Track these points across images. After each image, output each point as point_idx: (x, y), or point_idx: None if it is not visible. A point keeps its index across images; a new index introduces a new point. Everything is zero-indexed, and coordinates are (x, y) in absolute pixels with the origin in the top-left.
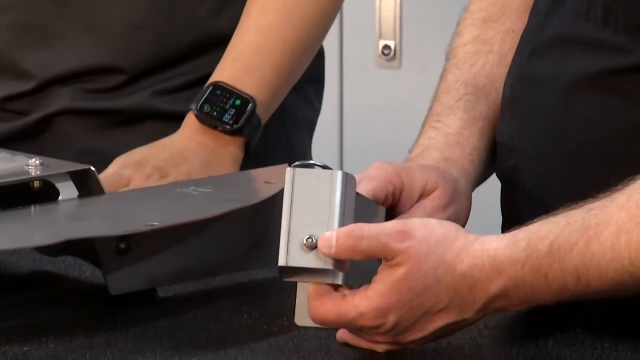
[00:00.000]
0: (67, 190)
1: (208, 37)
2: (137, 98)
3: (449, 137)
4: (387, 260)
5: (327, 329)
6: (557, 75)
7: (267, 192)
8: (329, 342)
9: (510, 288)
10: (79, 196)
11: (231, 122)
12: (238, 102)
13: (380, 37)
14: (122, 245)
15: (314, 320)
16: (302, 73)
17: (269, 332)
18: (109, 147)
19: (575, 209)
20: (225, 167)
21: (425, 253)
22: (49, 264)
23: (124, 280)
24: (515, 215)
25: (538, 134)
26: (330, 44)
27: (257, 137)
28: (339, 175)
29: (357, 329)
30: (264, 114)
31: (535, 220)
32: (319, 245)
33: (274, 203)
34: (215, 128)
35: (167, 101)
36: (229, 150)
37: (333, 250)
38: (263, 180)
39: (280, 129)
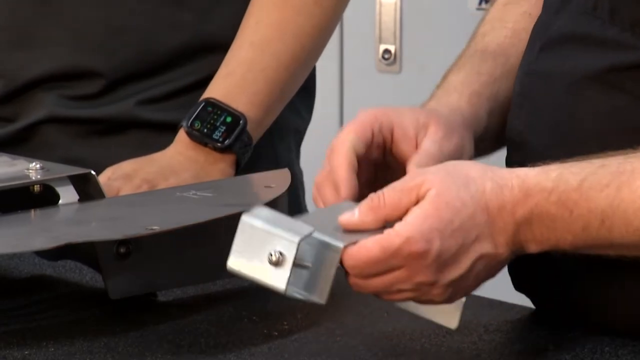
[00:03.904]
0: (67, 194)
1: (193, 43)
2: (121, 106)
3: (447, 88)
4: (412, 200)
5: (326, 332)
6: (563, 71)
7: (266, 196)
8: (329, 346)
9: (535, 215)
10: (79, 200)
11: (221, 139)
12: (229, 119)
13: (380, 41)
14: (122, 249)
15: (354, 267)
16: (297, 89)
17: (269, 335)
18: (94, 155)
19: (613, 154)
20: None
21: (447, 173)
22: (48, 268)
23: (123, 284)
24: None
25: (544, 129)
26: (330, 48)
27: (248, 154)
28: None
29: (392, 275)
30: (256, 131)
31: (570, 160)
32: (340, 220)
33: (273, 207)
34: (205, 145)
35: (150, 110)
36: (219, 166)
37: (355, 217)
38: (262, 184)
39: (266, 138)
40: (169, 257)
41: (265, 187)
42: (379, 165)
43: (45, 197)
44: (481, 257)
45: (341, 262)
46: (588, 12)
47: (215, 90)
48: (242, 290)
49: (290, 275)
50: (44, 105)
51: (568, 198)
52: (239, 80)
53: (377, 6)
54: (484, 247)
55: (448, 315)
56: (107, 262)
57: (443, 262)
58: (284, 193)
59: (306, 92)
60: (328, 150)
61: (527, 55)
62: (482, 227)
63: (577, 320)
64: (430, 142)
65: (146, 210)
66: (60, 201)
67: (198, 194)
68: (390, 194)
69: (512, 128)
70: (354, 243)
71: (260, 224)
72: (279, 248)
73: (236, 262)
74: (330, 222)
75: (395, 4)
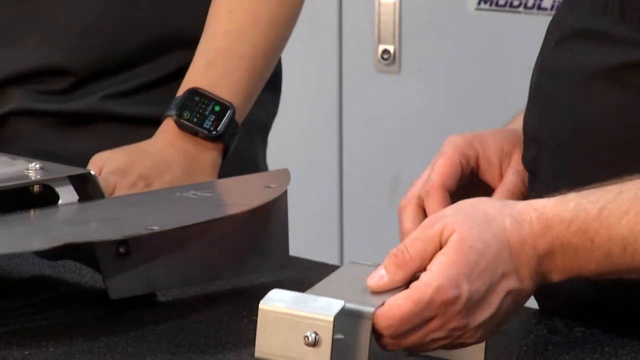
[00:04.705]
0: (67, 194)
1: (160, 40)
2: (87, 101)
3: None
4: (436, 247)
5: None
6: (574, 67)
7: (266, 196)
8: None
9: (556, 247)
10: (78, 200)
11: (211, 128)
12: (217, 108)
13: (380, 41)
14: (122, 249)
15: (389, 327)
16: (269, 76)
17: None
18: (63, 145)
19: (629, 180)
20: (205, 174)
21: (466, 216)
22: (48, 268)
23: (123, 284)
24: None
25: (556, 125)
26: (329, 48)
27: (235, 141)
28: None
29: (426, 327)
30: (240, 118)
31: (586, 187)
32: (370, 284)
33: (273, 207)
34: (196, 134)
35: (117, 104)
36: (209, 155)
37: (385, 278)
38: (262, 185)
39: None
40: (169, 257)
41: (265, 187)
42: (466, 187)
43: (45, 197)
44: (508, 293)
45: (373, 326)
46: (599, 9)
47: (199, 80)
48: (242, 290)
49: (331, 354)
50: (14, 99)
51: (588, 227)
52: (221, 69)
53: (376, 6)
54: (510, 284)
55: (473, 353)
56: (107, 262)
57: (474, 304)
58: (284, 193)
59: (271, 86)
60: (422, 190)
61: (542, 51)
62: (507, 264)
63: (577, 320)
64: (512, 175)
65: (146, 211)
66: (59, 201)
67: (198, 194)
68: (413, 246)
69: (527, 123)
70: (382, 305)
71: (284, 309)
72: (314, 329)
73: (265, 351)
74: (348, 287)
75: (395, 4)
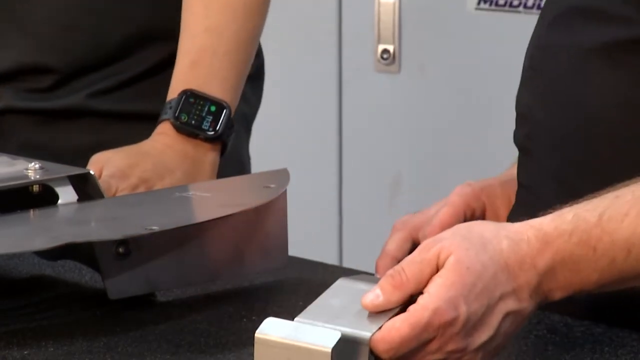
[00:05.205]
0: (66, 194)
1: (141, 35)
2: (72, 99)
3: None
4: (433, 270)
5: None
6: (569, 45)
7: (266, 196)
8: None
9: (557, 262)
10: (78, 200)
11: (210, 129)
12: (213, 108)
13: (379, 41)
14: (121, 249)
15: (388, 350)
16: (250, 66)
17: None
18: (51, 139)
19: (622, 186)
20: (205, 175)
21: (462, 238)
22: (48, 268)
23: (123, 284)
24: (529, 183)
25: (551, 103)
26: (329, 48)
27: (231, 139)
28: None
29: (424, 350)
30: (232, 115)
31: (580, 200)
32: (365, 304)
33: (273, 207)
34: (195, 136)
35: (101, 100)
36: (209, 156)
37: (381, 298)
38: (262, 185)
39: None
40: (169, 257)
41: (265, 187)
42: None
43: (45, 197)
44: (507, 315)
45: (371, 349)
46: None
47: (187, 80)
48: (242, 290)
49: None
50: (2, 97)
51: (590, 236)
52: (208, 68)
53: (376, 6)
54: (509, 305)
55: None
56: (107, 262)
57: (472, 326)
58: (283, 193)
59: (254, 78)
60: (421, 228)
61: (537, 29)
62: (505, 285)
63: (577, 319)
64: None
65: (145, 210)
66: (59, 201)
67: (197, 194)
68: (410, 268)
69: (519, 101)
70: (379, 328)
71: (281, 340)
72: None
73: None
74: (342, 309)
75: (394, 3)
